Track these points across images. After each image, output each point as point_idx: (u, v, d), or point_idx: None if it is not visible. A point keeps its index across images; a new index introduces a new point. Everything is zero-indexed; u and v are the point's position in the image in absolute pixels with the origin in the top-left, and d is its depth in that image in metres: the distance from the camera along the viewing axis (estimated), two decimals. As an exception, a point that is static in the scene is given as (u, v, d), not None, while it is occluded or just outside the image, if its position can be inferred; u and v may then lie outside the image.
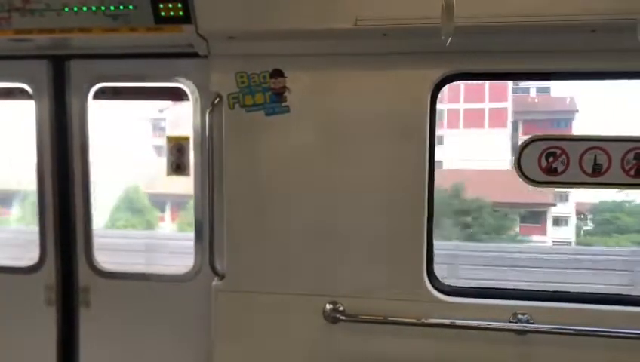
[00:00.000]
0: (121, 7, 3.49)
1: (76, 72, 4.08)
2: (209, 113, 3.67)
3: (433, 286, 3.58)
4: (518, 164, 3.44)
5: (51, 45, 3.89)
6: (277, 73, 3.60)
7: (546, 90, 14.22)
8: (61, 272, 4.20)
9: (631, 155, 3.34)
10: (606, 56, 3.28)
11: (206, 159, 3.75)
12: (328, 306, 3.63)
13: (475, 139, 14.12)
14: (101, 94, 4.09)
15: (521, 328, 3.44)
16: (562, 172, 3.40)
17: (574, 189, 9.77)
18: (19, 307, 4.26)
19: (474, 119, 14.02)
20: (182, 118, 4.09)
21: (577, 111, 13.73)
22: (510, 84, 14.09)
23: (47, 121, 4.11)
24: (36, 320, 4.23)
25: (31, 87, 4.11)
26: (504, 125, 14.04)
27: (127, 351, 4.17)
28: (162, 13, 3.46)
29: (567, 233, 13.23)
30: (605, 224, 12.72)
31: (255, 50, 3.55)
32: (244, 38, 3.50)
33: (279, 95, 3.61)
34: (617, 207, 12.65)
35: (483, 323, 3.46)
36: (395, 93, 3.49)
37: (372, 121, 3.54)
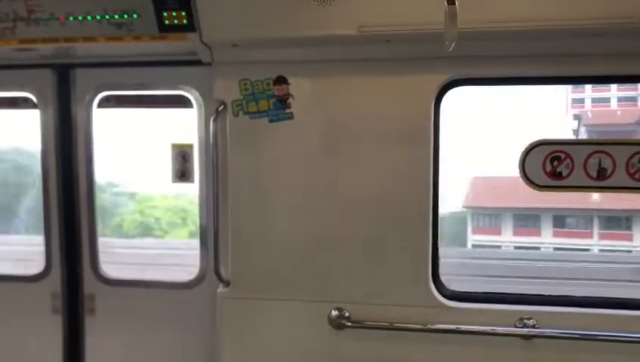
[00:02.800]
0: (125, 16, 3.51)
1: (81, 80, 4.10)
2: (213, 120, 3.67)
3: (439, 291, 3.58)
4: (523, 168, 3.44)
5: (56, 54, 3.91)
6: (281, 80, 3.60)
7: None
8: (67, 280, 4.22)
9: (636, 159, 3.33)
10: (611, 60, 3.28)
11: (210, 166, 3.76)
12: (334, 312, 3.63)
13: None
14: (105, 103, 4.11)
15: (527, 333, 3.43)
16: (567, 176, 3.40)
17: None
18: (25, 315, 4.27)
19: None
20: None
21: None
22: None
23: (52, 129, 4.13)
24: (42, 328, 4.24)
25: (35, 96, 4.13)
26: None
27: (133, 358, 4.18)
28: (166, 22, 3.47)
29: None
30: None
31: (258, 57, 3.56)
32: (248, 46, 3.51)
33: (283, 102, 3.61)
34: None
35: (489, 329, 3.45)
36: (399, 99, 3.49)
37: (376, 127, 3.54)
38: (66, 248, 4.19)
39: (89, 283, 4.19)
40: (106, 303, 4.19)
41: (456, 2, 2.56)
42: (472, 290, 3.71)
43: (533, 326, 3.44)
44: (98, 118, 4.13)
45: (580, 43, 3.24)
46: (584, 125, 9.77)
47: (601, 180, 3.37)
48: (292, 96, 3.60)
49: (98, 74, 4.07)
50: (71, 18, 3.55)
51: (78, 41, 3.62)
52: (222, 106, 3.66)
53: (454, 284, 3.67)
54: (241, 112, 3.65)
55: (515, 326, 3.46)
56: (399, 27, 3.20)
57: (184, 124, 4.05)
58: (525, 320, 3.45)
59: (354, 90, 3.54)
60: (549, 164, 3.41)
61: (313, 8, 3.27)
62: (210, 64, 3.67)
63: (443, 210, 3.64)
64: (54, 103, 4.12)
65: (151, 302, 4.11)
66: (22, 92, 4.18)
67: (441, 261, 3.64)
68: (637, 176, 3.33)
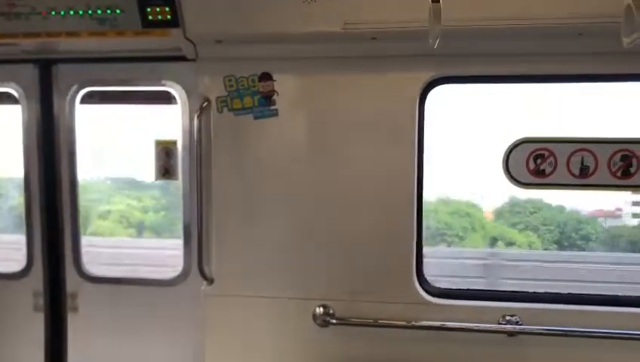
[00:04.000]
0: (108, 11, 3.47)
1: (63, 76, 4.05)
2: (197, 117, 3.65)
3: (423, 288, 3.59)
4: (506, 166, 3.46)
5: (38, 49, 3.86)
6: (265, 76, 3.59)
7: None
8: (49, 278, 4.17)
9: (617, 157, 3.37)
10: (593, 59, 3.31)
11: (194, 163, 3.74)
12: (318, 310, 3.63)
13: None
14: (88, 98, 4.07)
15: (511, 330, 3.46)
16: (550, 174, 3.42)
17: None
18: (6, 313, 4.22)
19: None
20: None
21: None
22: None
23: (34, 125, 4.08)
24: (24, 327, 4.19)
25: (17, 92, 4.08)
26: None
27: (116, 356, 4.15)
28: (150, 17, 3.44)
29: None
30: None
31: (243, 54, 3.54)
32: (232, 42, 3.49)
33: (268, 98, 3.60)
34: None
35: (473, 325, 3.47)
36: (384, 96, 3.49)
37: (361, 124, 3.54)
38: (48, 245, 4.15)
39: (71, 281, 4.15)
40: (89, 301, 4.15)
41: (441, 0, 2.56)
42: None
43: (517, 323, 3.46)
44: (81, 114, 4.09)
45: (564, 42, 3.26)
46: None
47: (583, 178, 3.40)
48: (277, 92, 3.59)
49: (81, 69, 4.02)
50: (53, 13, 3.51)
51: (60, 36, 3.58)
52: (206, 103, 3.64)
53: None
54: (225, 109, 3.63)
55: (499, 323, 3.48)
56: (384, 24, 3.20)
57: (168, 121, 4.02)
58: (508, 317, 3.48)
59: (339, 87, 3.53)
60: (533, 161, 3.43)
61: (298, 5, 3.26)
62: (194, 60, 3.65)
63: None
64: (36, 99, 4.07)
65: (134, 299, 4.08)
66: (3, 87, 4.12)
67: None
68: (618, 174, 3.37)
